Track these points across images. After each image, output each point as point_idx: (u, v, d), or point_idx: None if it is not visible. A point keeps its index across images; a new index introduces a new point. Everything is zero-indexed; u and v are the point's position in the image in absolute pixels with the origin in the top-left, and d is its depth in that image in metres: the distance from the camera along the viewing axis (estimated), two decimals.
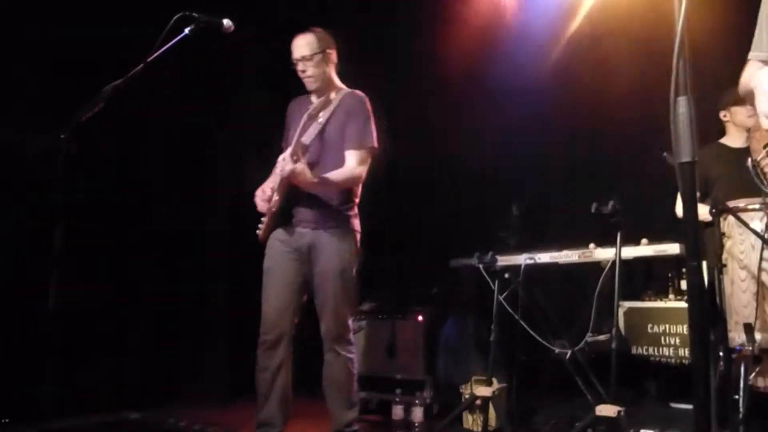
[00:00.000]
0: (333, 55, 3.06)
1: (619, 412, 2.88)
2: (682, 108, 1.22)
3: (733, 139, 3.57)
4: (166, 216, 4.93)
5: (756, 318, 2.73)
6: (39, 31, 4.02)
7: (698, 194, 3.25)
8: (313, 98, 3.05)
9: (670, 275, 3.98)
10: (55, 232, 2.35)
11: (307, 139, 2.88)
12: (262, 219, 3.00)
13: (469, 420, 3.63)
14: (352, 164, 2.93)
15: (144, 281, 4.79)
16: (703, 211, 2.95)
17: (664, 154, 2.93)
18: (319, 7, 4.85)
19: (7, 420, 3.62)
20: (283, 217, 2.95)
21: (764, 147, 1.83)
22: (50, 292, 2.32)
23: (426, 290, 4.52)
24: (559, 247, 3.46)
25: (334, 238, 2.92)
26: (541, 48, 4.81)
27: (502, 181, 4.87)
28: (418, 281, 4.64)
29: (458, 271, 4.12)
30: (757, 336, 2.71)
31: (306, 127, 2.94)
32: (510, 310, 3.53)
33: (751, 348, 2.71)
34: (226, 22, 2.68)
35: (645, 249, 3.21)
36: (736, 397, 2.72)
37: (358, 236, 3.04)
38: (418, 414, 3.83)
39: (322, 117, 2.94)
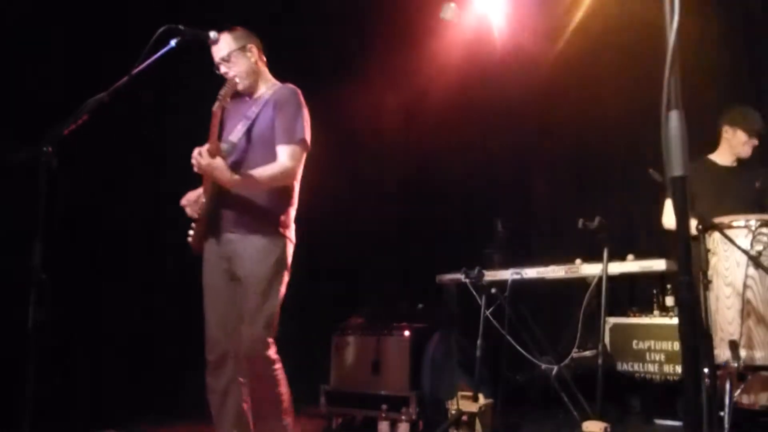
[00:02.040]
0: (254, 49, 2.86)
1: (605, 428, 2.88)
2: (674, 122, 1.22)
3: (723, 157, 3.61)
4: (148, 231, 4.87)
5: (741, 335, 2.74)
6: (24, 41, 3.97)
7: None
8: (246, 98, 2.88)
9: (655, 291, 3.99)
10: (33, 248, 2.30)
11: (235, 137, 2.73)
12: (192, 226, 2.79)
13: None
14: (282, 160, 2.68)
15: (121, 299, 4.72)
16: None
17: (650, 170, 2.95)
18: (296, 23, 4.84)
19: None
20: (212, 221, 2.72)
21: None
22: (30, 309, 2.27)
23: (412, 306, 4.50)
24: (546, 262, 3.46)
25: (258, 243, 2.66)
26: (527, 66, 4.86)
27: (488, 197, 4.89)
28: (403, 297, 4.62)
29: (444, 287, 4.11)
30: (742, 353, 2.72)
31: (234, 124, 2.78)
32: (497, 325, 3.52)
33: (735, 365, 2.72)
34: (213, 34, 2.67)
35: (631, 265, 3.22)
36: (722, 414, 2.72)
37: (290, 245, 2.77)
38: (403, 430, 3.80)
39: (250, 113, 2.76)
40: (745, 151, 3.51)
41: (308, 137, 2.76)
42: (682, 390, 1.34)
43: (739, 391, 2.76)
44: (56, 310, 3.91)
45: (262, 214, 2.69)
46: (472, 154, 4.98)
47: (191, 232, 2.78)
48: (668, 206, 3.44)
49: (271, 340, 2.67)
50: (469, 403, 3.44)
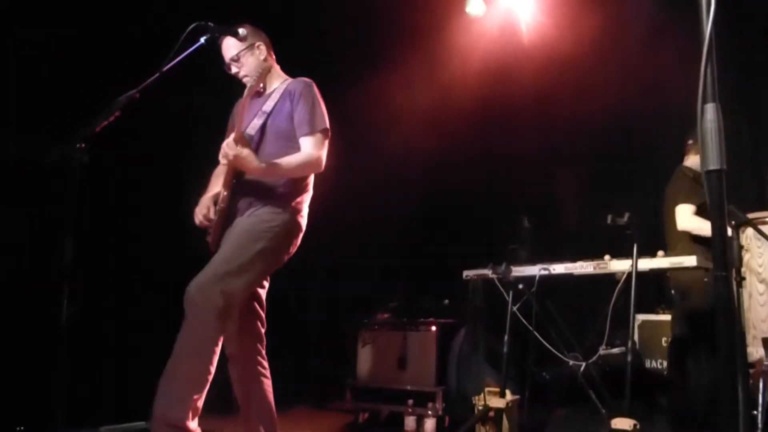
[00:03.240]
0: (262, 47, 2.84)
1: (634, 425, 2.84)
2: (710, 115, 1.20)
3: (695, 165, 3.60)
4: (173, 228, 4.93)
5: None
6: (54, 39, 4.04)
7: (695, 208, 3.34)
8: (258, 96, 2.86)
9: None
10: (65, 244, 2.34)
11: (252, 130, 2.73)
12: (211, 223, 2.74)
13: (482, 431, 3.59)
14: (308, 150, 2.66)
15: (149, 294, 4.79)
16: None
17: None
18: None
19: (21, 428, 3.60)
20: (230, 216, 2.70)
21: None
22: (63, 305, 2.30)
23: (437, 302, 4.50)
24: (574, 258, 3.43)
25: (261, 213, 2.62)
26: (553, 62, 4.82)
27: (514, 193, 4.86)
28: (429, 293, 4.62)
29: (470, 283, 4.10)
30: None
31: (250, 119, 2.77)
32: (524, 321, 3.50)
33: None
34: (242, 31, 2.70)
35: (661, 261, 3.17)
36: (755, 412, 2.68)
37: (295, 226, 2.71)
38: (430, 425, 3.80)
39: (266, 107, 2.76)
40: None
41: (328, 125, 2.75)
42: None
43: None
44: (86, 306, 4.03)
45: (274, 201, 2.66)
46: (498, 150, 4.96)
47: (210, 230, 2.75)
48: (682, 210, 3.43)
49: (221, 294, 2.45)
50: (496, 398, 3.43)
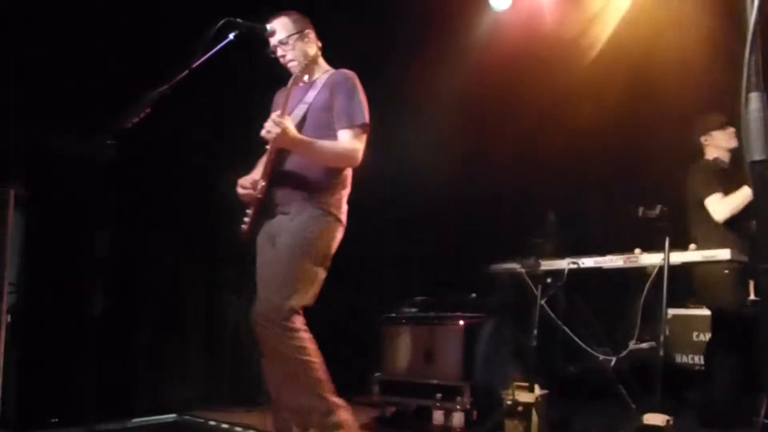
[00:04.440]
0: (312, 34, 2.84)
1: (667, 421, 2.82)
2: (755, 104, 1.18)
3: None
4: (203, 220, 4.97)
5: None
6: (84, 34, 4.08)
7: (722, 194, 3.30)
8: (300, 84, 2.84)
9: None
10: (97, 239, 2.37)
11: (293, 120, 2.68)
12: (247, 212, 2.75)
13: (510, 426, 3.57)
14: (345, 143, 2.66)
15: (181, 286, 4.84)
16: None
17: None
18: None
19: (56, 419, 3.67)
20: (268, 204, 2.70)
21: None
22: (95, 298, 2.34)
23: (464, 295, 4.49)
24: (603, 251, 3.40)
25: (304, 217, 2.62)
26: (579, 55, 4.77)
27: (541, 186, 4.82)
28: (456, 287, 4.60)
29: (496, 277, 4.08)
30: None
31: (292, 108, 2.75)
32: (552, 315, 3.48)
33: None
34: (269, 26, 2.71)
35: (694, 254, 3.13)
36: None
37: (339, 227, 2.72)
38: (458, 419, 3.79)
39: (308, 98, 2.76)
40: (733, 142, 3.61)
41: (368, 120, 2.72)
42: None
43: None
44: (119, 298, 4.09)
45: (313, 194, 2.66)
46: (524, 143, 4.92)
47: (246, 220, 2.74)
48: (713, 201, 3.41)
49: (294, 308, 2.53)
50: (524, 393, 3.41)
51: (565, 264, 3.44)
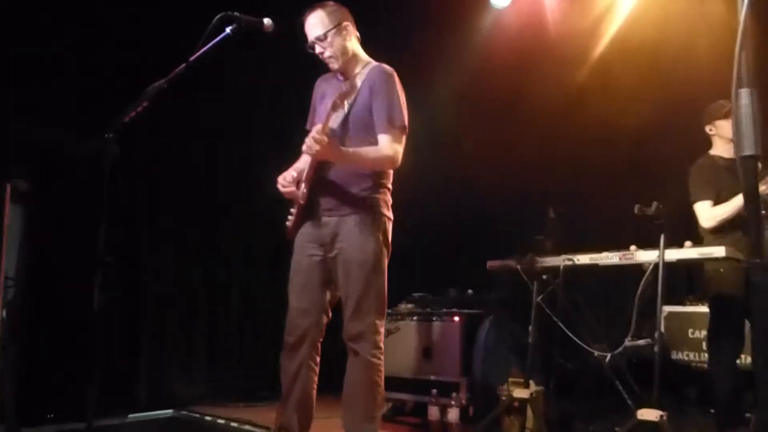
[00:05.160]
0: (350, 26, 2.78)
1: (661, 416, 2.83)
2: (745, 100, 1.19)
3: (723, 150, 3.53)
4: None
5: None
6: (84, 30, 4.09)
7: (712, 202, 3.27)
8: (339, 77, 2.85)
9: None
10: (99, 234, 2.38)
11: (334, 123, 2.68)
12: (291, 211, 2.80)
13: (506, 422, 3.59)
14: (385, 146, 2.66)
15: (182, 283, 4.86)
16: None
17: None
18: None
19: (52, 415, 3.68)
20: (311, 207, 2.72)
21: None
22: (95, 293, 2.35)
23: (462, 292, 4.50)
24: (599, 248, 3.40)
25: (360, 225, 2.65)
26: (580, 53, 4.78)
27: (541, 183, 4.83)
28: (454, 283, 4.61)
29: (494, 273, 4.09)
30: None
31: (335, 109, 2.69)
32: (548, 311, 3.49)
33: None
34: (267, 21, 2.70)
35: (689, 252, 3.13)
36: None
37: (389, 224, 2.77)
38: (453, 415, 3.81)
39: (350, 98, 2.71)
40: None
41: (407, 121, 2.74)
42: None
43: None
44: (119, 293, 4.10)
45: (363, 197, 2.68)
46: (525, 141, 4.92)
47: (290, 217, 2.78)
48: (699, 209, 3.39)
49: (381, 323, 2.68)
50: (520, 389, 3.43)
51: (560, 261, 3.44)
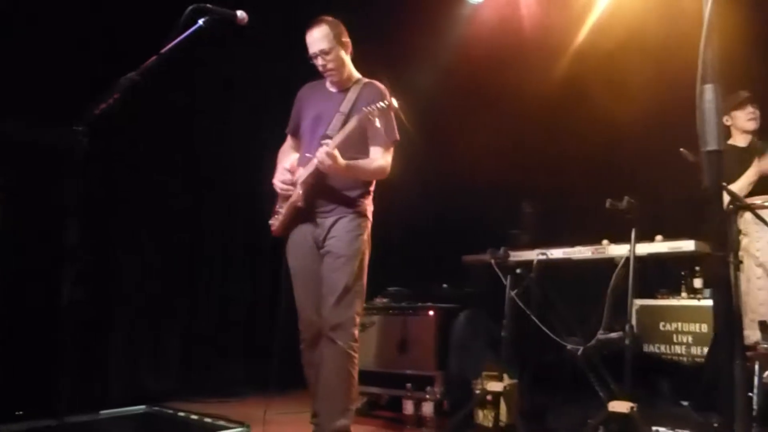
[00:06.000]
0: (349, 44, 3.00)
1: (632, 408, 2.87)
2: (709, 95, 1.20)
3: (738, 141, 3.57)
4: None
5: None
6: (53, 22, 4.02)
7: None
8: (328, 85, 3.02)
9: (683, 273, 3.95)
10: (68, 228, 2.34)
11: (332, 132, 2.86)
12: (276, 210, 2.98)
13: (480, 415, 3.61)
14: (379, 159, 2.91)
15: (156, 276, 4.80)
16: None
17: (682, 150, 2.91)
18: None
19: (21, 412, 3.62)
20: (305, 209, 2.91)
21: None
22: (64, 288, 2.31)
23: (438, 286, 4.51)
24: (572, 242, 3.44)
25: (350, 225, 2.88)
26: (556, 44, 4.80)
27: (517, 178, 4.85)
28: (429, 277, 4.63)
29: (471, 267, 4.11)
30: None
31: (328, 115, 2.93)
32: (522, 306, 3.51)
33: (766, 345, 2.69)
34: (240, 13, 2.67)
35: (660, 246, 3.18)
36: (750, 394, 2.70)
37: (370, 224, 3.00)
38: (428, 409, 3.83)
39: (343, 108, 2.91)
40: (750, 124, 3.50)
41: (398, 136, 2.98)
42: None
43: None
44: (90, 287, 4.05)
45: (351, 201, 2.92)
46: (501, 136, 4.94)
47: (277, 216, 2.98)
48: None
49: (358, 317, 2.87)
50: (494, 382, 3.45)
51: (534, 255, 3.47)
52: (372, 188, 3.04)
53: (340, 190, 2.91)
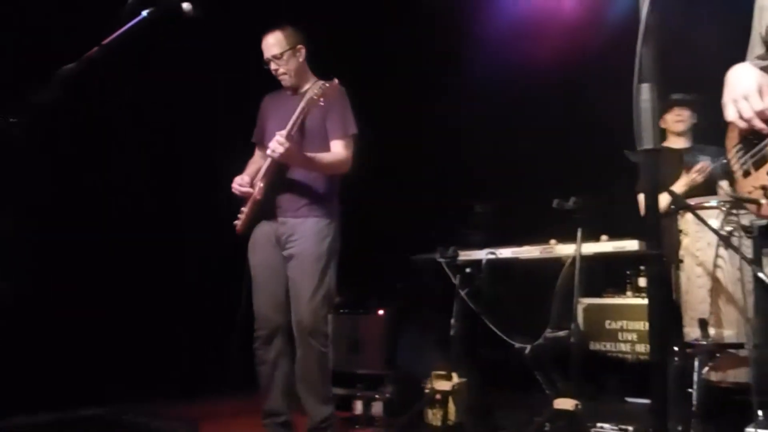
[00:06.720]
0: (303, 49, 3.08)
1: (576, 405, 2.91)
2: (645, 95, 1.22)
3: (672, 143, 3.75)
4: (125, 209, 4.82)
5: (710, 314, 2.78)
6: None
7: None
8: (289, 93, 3.11)
9: (628, 272, 4.03)
10: (2, 220, 2.26)
11: (284, 131, 2.87)
12: (242, 210, 3.02)
13: (429, 414, 3.62)
14: (339, 152, 2.98)
15: (102, 272, 4.67)
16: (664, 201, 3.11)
17: (625, 151, 2.98)
18: None
19: None
20: (267, 206, 2.95)
21: (734, 146, 1.86)
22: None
23: (389, 286, 4.51)
24: (521, 242, 3.48)
25: (317, 227, 2.94)
26: (507, 46, 4.84)
27: (470, 178, 4.88)
28: (381, 277, 4.62)
29: (422, 267, 4.12)
30: (711, 331, 2.76)
31: (287, 119, 2.95)
32: (471, 305, 3.54)
33: (705, 343, 2.76)
34: (186, 5, 2.62)
35: (605, 245, 3.25)
36: (690, 390, 2.76)
37: (337, 225, 3.06)
38: (378, 409, 3.82)
39: (301, 109, 2.95)
40: (678, 126, 3.69)
41: (356, 129, 3.05)
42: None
43: (707, 368, 2.79)
44: (31, 284, 3.90)
45: (317, 201, 2.97)
46: (453, 134, 4.96)
47: (240, 216, 3.03)
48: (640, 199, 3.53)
49: (328, 317, 2.99)
50: (442, 381, 3.46)
51: (483, 254, 3.50)
52: (337, 189, 3.10)
53: (301, 189, 2.95)
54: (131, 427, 3.87)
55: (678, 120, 3.67)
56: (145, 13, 2.48)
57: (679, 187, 3.41)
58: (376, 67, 5.16)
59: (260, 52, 3.10)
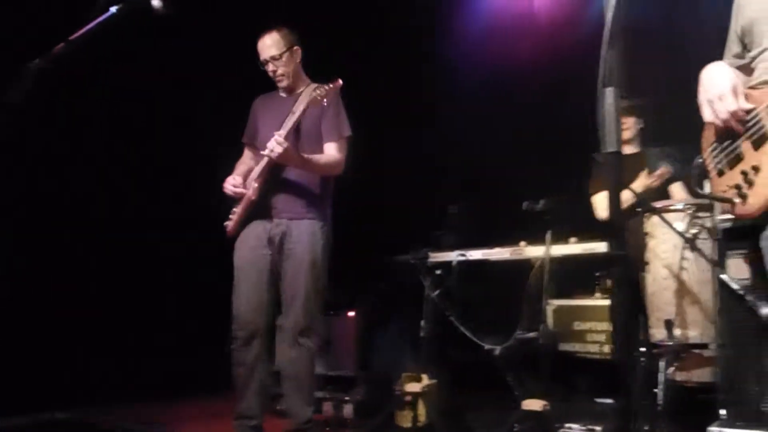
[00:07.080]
0: (299, 51, 3.11)
1: (545, 406, 2.94)
2: (609, 99, 1.24)
3: (624, 149, 3.78)
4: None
5: (676, 315, 2.83)
6: None
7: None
8: (282, 94, 3.14)
9: (597, 274, 4.08)
10: None
11: (283, 131, 2.90)
12: (233, 211, 3.01)
13: (399, 416, 3.62)
14: (333, 153, 3.02)
15: (79, 274, 4.60)
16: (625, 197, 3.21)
17: (593, 154, 3.03)
18: None
19: None
20: (261, 206, 2.95)
21: (709, 146, 1.90)
22: None
23: (361, 287, 4.51)
24: (491, 244, 3.50)
25: (311, 229, 2.96)
26: (480, 49, 4.87)
27: (445, 179, 4.90)
28: (353, 278, 4.61)
29: (397, 268, 4.12)
30: (677, 332, 2.81)
31: (281, 120, 2.97)
32: (442, 306, 3.55)
33: (671, 343, 2.81)
34: (155, 2, 2.59)
35: (574, 247, 3.28)
36: (656, 390, 2.81)
37: (329, 228, 3.09)
38: (348, 411, 3.81)
39: (296, 111, 2.96)
40: (624, 134, 3.70)
41: (350, 131, 3.10)
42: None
43: (673, 368, 2.84)
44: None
45: (312, 202, 3.00)
46: (426, 135, 4.98)
47: (231, 217, 3.02)
48: (599, 199, 3.58)
49: (319, 317, 3.04)
50: (413, 383, 3.47)
51: (453, 256, 3.52)
52: (331, 191, 3.13)
53: (296, 190, 2.97)
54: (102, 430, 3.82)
55: (624, 128, 3.71)
56: (113, 9, 2.46)
57: (636, 188, 3.45)
58: (349, 69, 5.14)
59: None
